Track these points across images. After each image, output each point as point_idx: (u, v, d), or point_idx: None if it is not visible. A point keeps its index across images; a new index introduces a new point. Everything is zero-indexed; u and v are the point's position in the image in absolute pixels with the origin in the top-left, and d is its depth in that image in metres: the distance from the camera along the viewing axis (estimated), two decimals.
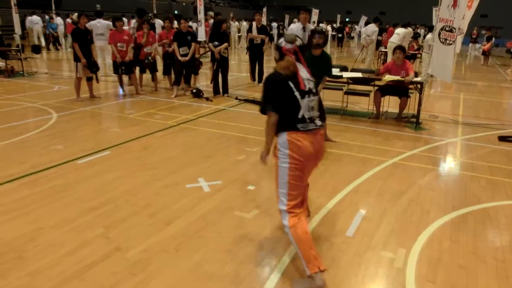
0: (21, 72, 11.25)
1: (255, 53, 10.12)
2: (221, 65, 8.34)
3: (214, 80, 8.47)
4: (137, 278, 2.70)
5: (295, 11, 31.94)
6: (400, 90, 6.78)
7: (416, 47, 13.27)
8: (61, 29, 18.53)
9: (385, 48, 13.50)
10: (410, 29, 13.67)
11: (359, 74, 6.89)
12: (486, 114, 7.96)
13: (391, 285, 2.73)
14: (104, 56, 10.90)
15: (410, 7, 36.99)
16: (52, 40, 17.87)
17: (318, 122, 2.77)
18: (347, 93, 7.51)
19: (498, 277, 2.85)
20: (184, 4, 36.24)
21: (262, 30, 9.94)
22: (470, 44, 20.01)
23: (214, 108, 7.64)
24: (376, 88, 6.99)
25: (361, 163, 4.92)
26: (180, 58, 8.20)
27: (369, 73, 7.27)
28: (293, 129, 2.66)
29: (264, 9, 17.89)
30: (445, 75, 6.17)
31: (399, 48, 6.78)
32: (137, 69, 8.84)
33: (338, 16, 27.29)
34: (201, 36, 12.75)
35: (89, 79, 8.09)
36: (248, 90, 9.69)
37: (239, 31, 20.61)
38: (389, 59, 12.67)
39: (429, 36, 11.04)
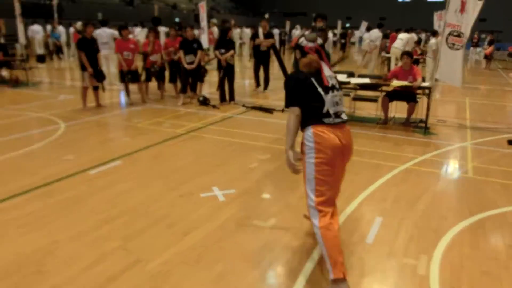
0: (26, 82, 11.25)
1: (260, 59, 10.06)
2: (227, 72, 8.35)
3: (221, 87, 8.47)
4: None
5: (296, 17, 32.10)
6: (408, 95, 6.78)
7: (419, 52, 13.29)
8: (63, 38, 18.57)
9: (387, 53, 13.55)
10: (413, 34, 13.72)
11: (367, 80, 6.89)
12: (493, 118, 7.95)
13: None
14: (108, 65, 10.91)
15: (410, 12, 37.21)
16: (55, 49, 17.89)
17: (344, 117, 2.78)
18: (355, 99, 7.51)
19: None
20: (185, 11, 36.40)
21: (268, 36, 9.90)
22: (471, 48, 20.09)
23: (221, 115, 7.63)
24: (383, 93, 6.99)
25: (374, 169, 4.90)
26: (186, 66, 8.21)
27: (377, 78, 7.27)
28: (318, 122, 2.65)
29: (266, 15, 17.97)
30: (454, 79, 6.17)
31: (406, 53, 6.79)
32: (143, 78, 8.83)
33: (339, 22, 27.42)
34: (204, 43, 12.78)
35: (95, 88, 8.10)
36: (254, 97, 9.70)
37: (240, 38, 20.68)
38: (392, 64, 12.70)
39: (432, 41, 11.08)
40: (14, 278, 2.79)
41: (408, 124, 6.97)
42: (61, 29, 18.10)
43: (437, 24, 16.80)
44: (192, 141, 6.03)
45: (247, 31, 18.00)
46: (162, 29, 13.39)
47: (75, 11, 26.09)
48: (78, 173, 4.73)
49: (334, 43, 24.60)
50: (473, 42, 19.57)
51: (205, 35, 13.43)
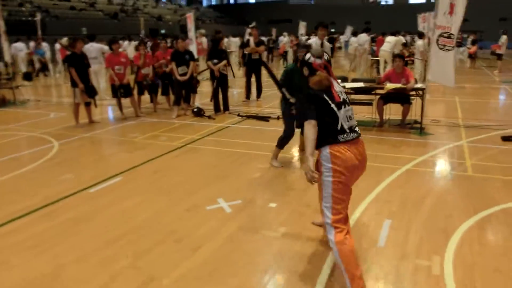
0: (13, 101, 11.08)
1: (252, 68, 10.02)
2: (220, 82, 8.34)
3: (215, 97, 8.46)
4: None
5: (281, 24, 32.24)
6: (402, 97, 6.85)
7: (407, 54, 13.48)
8: (47, 55, 18.39)
9: (374, 57, 13.72)
10: (401, 37, 13.93)
11: (361, 84, 6.95)
12: (485, 115, 8.08)
13: None
14: (98, 80, 10.82)
15: (394, 15, 37.75)
16: (41, 66, 17.69)
17: (358, 130, 2.79)
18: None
19: None
20: (170, 23, 36.41)
21: (259, 44, 9.90)
22: (455, 48, 20.44)
23: (217, 126, 7.61)
24: (378, 96, 7.05)
25: (376, 172, 4.92)
26: (179, 77, 8.18)
27: (370, 82, 7.34)
28: (334, 141, 2.65)
29: (253, 24, 18.02)
30: (447, 80, 6.26)
31: (398, 56, 6.88)
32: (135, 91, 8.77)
33: None
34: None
35: (87, 104, 8.01)
36: (248, 106, 9.69)
37: (225, 47, 20.65)
38: (381, 67, 12.85)
39: (419, 42, 11.26)
40: None
41: (404, 126, 7.03)
42: (44, 45, 17.94)
43: (421, 26, 17.11)
44: (191, 154, 5.99)
45: (235, 40, 18.07)
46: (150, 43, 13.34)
47: (58, 27, 25.91)
48: (79, 192, 4.66)
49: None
50: (457, 42, 19.94)
51: (193, 46, 13.45)
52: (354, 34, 18.09)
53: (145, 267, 3.10)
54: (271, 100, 10.06)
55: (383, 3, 45.04)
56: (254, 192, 4.51)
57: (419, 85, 6.69)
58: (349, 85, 6.94)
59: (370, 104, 7.36)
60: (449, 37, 6.05)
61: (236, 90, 11.85)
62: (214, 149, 6.18)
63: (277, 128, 7.28)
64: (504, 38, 15.04)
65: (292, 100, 4.97)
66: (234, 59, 17.98)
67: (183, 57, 8.22)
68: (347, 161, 2.64)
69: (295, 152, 5.95)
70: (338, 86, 2.82)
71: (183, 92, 8.47)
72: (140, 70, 8.63)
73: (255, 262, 3.13)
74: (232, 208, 4.08)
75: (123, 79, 8.20)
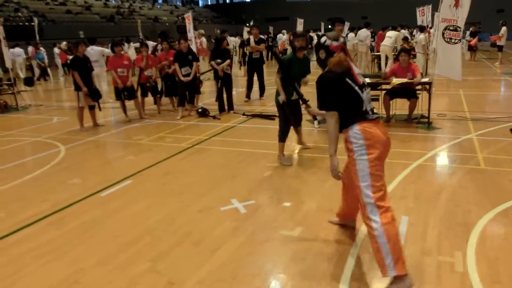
0: (15, 107, 11.03)
1: (254, 67, 9.98)
2: (225, 82, 8.29)
3: (219, 97, 8.41)
4: None
5: (278, 22, 32.16)
6: (408, 92, 6.81)
7: (408, 48, 13.42)
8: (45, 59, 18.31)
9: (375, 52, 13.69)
10: (403, 31, 13.88)
11: (366, 80, 6.88)
12: (491, 108, 8.04)
13: None
14: (99, 83, 10.76)
15: (391, 9, 37.69)
16: (41, 71, 17.62)
17: (376, 112, 2.79)
18: None
19: None
20: (167, 24, 36.31)
21: (259, 43, 9.88)
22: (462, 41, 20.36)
23: (223, 126, 7.56)
24: (384, 92, 7.01)
25: (388, 168, 4.76)
26: (182, 78, 8.13)
27: (376, 77, 7.29)
28: (362, 119, 2.64)
29: (251, 22, 17.98)
30: (454, 73, 6.23)
31: (403, 50, 6.83)
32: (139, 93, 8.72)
33: (322, 24, 27.62)
34: None
35: (91, 108, 7.97)
36: (252, 104, 9.65)
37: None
38: (382, 62, 12.81)
39: (421, 36, 11.21)
40: None
41: (411, 121, 6.99)
42: (42, 50, 17.85)
43: (420, 20, 17.06)
44: (199, 155, 5.95)
45: (233, 39, 18.01)
46: (150, 43, 13.29)
47: (55, 31, 25.85)
48: (88, 196, 4.61)
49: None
50: None
51: (193, 46, 13.39)
52: (352, 30, 18.04)
53: (165, 270, 3.06)
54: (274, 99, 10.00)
55: None
56: (266, 191, 4.47)
57: (426, 79, 6.64)
58: None
59: (376, 99, 7.31)
60: (455, 30, 6.01)
61: (236, 90, 11.78)
62: (222, 149, 6.13)
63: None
64: (504, 29, 15.01)
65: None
66: (234, 58, 17.90)
67: (186, 58, 8.16)
68: (378, 135, 2.64)
69: (299, 149, 5.90)
70: (356, 69, 2.79)
71: (187, 93, 8.41)
72: (143, 72, 8.57)
73: (276, 262, 3.09)
74: (247, 208, 4.03)
75: (126, 82, 8.15)
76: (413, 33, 16.65)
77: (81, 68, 7.61)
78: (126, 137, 7.28)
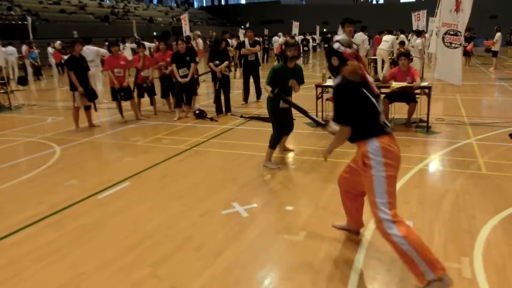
0: (8, 106, 10.85)
1: (250, 70, 9.88)
2: (223, 84, 8.22)
3: (217, 99, 8.34)
4: None
5: (273, 25, 32.25)
6: (407, 96, 6.80)
7: (407, 52, 13.47)
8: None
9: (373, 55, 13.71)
10: (402, 35, 13.93)
11: None
12: (488, 113, 8.07)
13: None
14: (95, 83, 10.63)
15: (385, 14, 37.93)
16: (34, 70, 17.41)
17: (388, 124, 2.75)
18: None
19: None
20: (162, 25, 36.18)
21: (254, 45, 9.80)
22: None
23: (221, 128, 7.49)
24: (383, 96, 6.99)
25: None
26: (180, 79, 8.05)
27: (376, 81, 7.27)
28: (382, 133, 2.58)
29: (247, 25, 17.95)
30: (454, 78, 6.22)
31: (403, 54, 6.82)
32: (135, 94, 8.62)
33: (317, 27, 27.75)
34: None
35: (87, 108, 7.86)
36: (249, 107, 9.59)
37: None
38: (378, 66, 12.83)
39: (418, 40, 11.24)
40: None
41: (410, 125, 6.99)
42: (34, 49, 17.66)
43: (415, 25, 17.16)
44: (198, 157, 5.87)
45: (232, 42, 17.96)
46: (147, 44, 13.19)
47: (48, 31, 25.61)
48: (86, 198, 4.52)
49: (314, 48, 24.84)
50: None
51: None
52: None
53: (165, 276, 2.98)
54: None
55: (374, 2, 45.28)
56: (268, 195, 4.41)
57: (425, 83, 6.64)
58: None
59: None
60: (455, 35, 6.01)
61: (233, 92, 11.71)
62: (221, 151, 6.06)
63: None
64: (498, 35, 15.13)
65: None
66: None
67: (183, 59, 8.09)
68: (395, 153, 2.62)
69: (299, 152, 5.85)
70: (370, 77, 2.74)
71: (184, 94, 8.33)
72: (140, 72, 8.48)
73: (282, 268, 3.03)
74: (249, 212, 3.97)
75: (123, 82, 8.05)
76: (408, 38, 16.73)
77: (77, 68, 7.50)
78: (122, 138, 7.18)
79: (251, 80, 9.92)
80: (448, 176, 4.78)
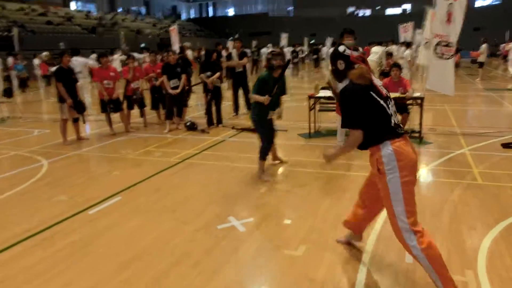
0: None
1: (239, 82, 9.68)
2: (214, 95, 8.14)
3: (208, 111, 8.25)
4: None
5: (261, 36, 32.34)
6: (400, 106, 6.77)
7: (392, 63, 13.60)
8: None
9: None
10: (392, 46, 14.09)
11: None
12: (479, 123, 8.14)
13: None
14: (82, 95, 10.46)
15: (371, 26, 38.43)
16: (19, 82, 17.11)
17: (402, 126, 2.68)
18: None
19: None
20: (150, 36, 36.10)
21: (242, 56, 9.63)
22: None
23: (213, 140, 7.39)
24: None
25: None
26: (170, 91, 7.95)
27: None
28: (395, 136, 2.50)
29: (236, 35, 17.98)
30: (446, 88, 6.26)
31: (395, 65, 6.85)
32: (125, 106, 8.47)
33: (306, 39, 27.97)
34: None
35: (75, 120, 7.69)
36: (239, 118, 9.50)
37: None
38: None
39: (407, 52, 11.36)
40: None
41: None
42: (19, 61, 17.39)
43: (402, 37, 17.40)
44: (191, 169, 5.76)
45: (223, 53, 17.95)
46: (136, 55, 13.09)
47: (35, 42, 25.29)
48: (76, 214, 4.36)
49: (303, 59, 25.00)
50: None
51: None
52: (333, 44, 18.28)
53: None
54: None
55: (360, 14, 45.95)
56: (264, 208, 4.31)
57: (417, 94, 6.66)
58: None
59: None
60: (447, 46, 6.06)
61: (228, 103, 11.64)
62: (214, 164, 5.96)
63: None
64: (484, 46, 15.41)
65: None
66: None
67: (174, 70, 8.00)
68: (410, 155, 2.52)
69: (294, 164, 5.78)
70: (378, 81, 2.68)
71: (175, 106, 8.23)
72: (130, 84, 8.35)
73: (282, 285, 2.93)
74: (246, 226, 3.86)
75: (112, 94, 7.91)
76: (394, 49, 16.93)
77: (65, 80, 7.35)
78: (112, 151, 7.02)
79: (241, 92, 9.83)
80: (445, 186, 4.75)
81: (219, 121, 8.44)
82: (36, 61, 17.13)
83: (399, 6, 43.83)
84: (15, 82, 17.33)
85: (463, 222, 3.80)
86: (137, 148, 7.02)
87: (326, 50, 23.22)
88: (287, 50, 21.79)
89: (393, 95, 6.55)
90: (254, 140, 7.12)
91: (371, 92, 2.56)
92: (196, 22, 50.99)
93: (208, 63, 8.14)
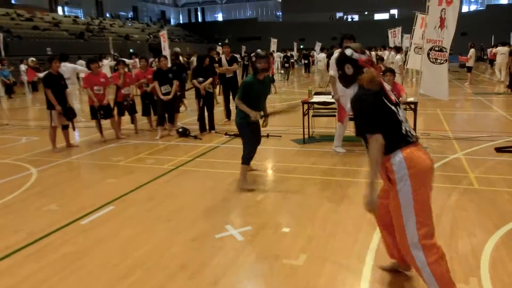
0: None
1: (229, 87, 9.52)
2: (206, 101, 8.06)
3: (201, 117, 8.16)
4: None
5: (250, 42, 32.46)
6: None
7: (383, 68, 13.68)
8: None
9: None
10: (385, 51, 14.17)
11: None
12: (471, 127, 8.18)
13: None
14: (71, 101, 10.27)
15: (360, 31, 38.76)
16: (5, 88, 16.80)
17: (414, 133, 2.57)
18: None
19: None
20: (139, 42, 35.88)
21: (231, 61, 9.47)
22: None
23: (206, 146, 7.30)
24: None
25: None
26: (162, 97, 7.85)
27: None
28: (405, 143, 2.40)
29: (226, 40, 17.92)
30: (440, 93, 6.27)
31: (389, 70, 6.85)
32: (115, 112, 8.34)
33: (295, 43, 28.08)
34: None
35: (65, 127, 7.54)
36: (233, 124, 9.38)
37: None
38: None
39: (397, 57, 11.43)
40: None
41: None
42: (5, 66, 17.10)
43: (392, 41, 17.56)
44: (185, 177, 5.66)
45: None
46: (126, 61, 12.92)
47: (21, 48, 24.94)
48: (68, 224, 4.23)
49: (292, 64, 25.07)
50: None
51: (169, 65, 13.13)
52: (322, 50, 18.41)
53: None
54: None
55: (349, 19, 46.37)
56: (262, 216, 4.24)
57: (411, 99, 6.67)
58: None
59: None
60: (440, 50, 6.08)
61: (219, 109, 11.56)
62: (209, 171, 5.86)
63: (268, 146, 7.09)
64: (472, 51, 15.60)
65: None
66: None
67: (166, 76, 7.91)
68: (422, 162, 2.40)
69: (289, 171, 5.72)
70: (387, 85, 2.61)
71: (167, 112, 8.12)
72: (120, 90, 8.23)
73: None
74: (244, 235, 3.78)
75: (103, 100, 7.78)
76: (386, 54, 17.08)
77: (55, 86, 7.20)
78: (103, 158, 6.88)
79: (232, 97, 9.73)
80: (441, 192, 4.72)
81: (212, 127, 8.36)
82: (23, 67, 16.84)
83: (387, 11, 44.35)
84: (0, 88, 17.03)
85: (463, 228, 3.77)
86: (128, 155, 6.89)
87: (317, 54, 23.31)
88: (277, 55, 21.82)
89: None
90: None
91: (383, 98, 2.48)
92: (185, 28, 50.92)
93: (201, 68, 8.06)
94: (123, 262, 3.39)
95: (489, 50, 22.44)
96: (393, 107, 2.47)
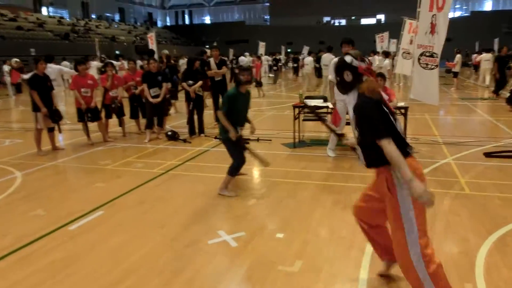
0: None
1: (218, 90, 9.33)
2: (196, 104, 7.97)
3: (190, 120, 8.07)
4: None
5: (238, 44, 32.45)
6: None
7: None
8: None
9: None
10: (375, 57, 14.27)
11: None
12: (459, 132, 8.28)
13: None
14: (57, 103, 10.06)
15: (348, 35, 39.11)
16: None
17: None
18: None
19: None
20: (125, 44, 35.53)
21: (220, 64, 9.34)
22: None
23: (196, 150, 7.21)
24: None
25: None
26: (151, 99, 7.74)
27: None
28: (405, 154, 2.38)
29: (215, 43, 17.87)
30: (431, 98, 6.32)
31: (380, 75, 6.87)
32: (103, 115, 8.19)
33: (283, 47, 28.15)
34: None
35: (50, 130, 7.37)
36: None
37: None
38: None
39: (386, 61, 11.52)
40: None
41: None
42: None
43: (379, 46, 17.73)
44: (175, 181, 5.57)
45: None
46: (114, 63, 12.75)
47: (4, 48, 24.46)
48: (56, 230, 4.10)
49: (280, 67, 25.13)
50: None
51: None
52: (309, 53, 18.49)
53: None
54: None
55: (336, 24, 46.75)
56: (255, 221, 4.18)
57: (402, 104, 6.70)
58: (331, 105, 6.83)
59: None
60: (431, 56, 6.13)
61: (208, 112, 11.46)
62: (199, 175, 5.79)
63: (258, 150, 7.02)
64: (458, 57, 15.84)
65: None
66: None
67: (155, 79, 7.80)
68: (420, 169, 2.44)
69: (281, 175, 5.68)
70: (384, 94, 2.59)
71: (156, 115, 8.01)
72: (108, 92, 8.09)
73: None
74: (238, 241, 3.72)
75: (90, 103, 7.63)
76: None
77: (40, 87, 7.04)
78: (90, 162, 6.74)
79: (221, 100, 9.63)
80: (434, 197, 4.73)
81: (201, 130, 8.27)
82: (6, 68, 16.48)
83: (374, 16, 44.86)
84: None
85: (456, 234, 3.78)
86: (116, 159, 6.76)
87: (304, 58, 23.41)
88: (265, 59, 21.84)
89: None
90: None
91: (383, 107, 2.46)
92: (172, 30, 50.66)
93: (191, 71, 7.98)
94: (114, 269, 3.30)
95: (473, 56, 22.82)
96: (391, 117, 2.46)
